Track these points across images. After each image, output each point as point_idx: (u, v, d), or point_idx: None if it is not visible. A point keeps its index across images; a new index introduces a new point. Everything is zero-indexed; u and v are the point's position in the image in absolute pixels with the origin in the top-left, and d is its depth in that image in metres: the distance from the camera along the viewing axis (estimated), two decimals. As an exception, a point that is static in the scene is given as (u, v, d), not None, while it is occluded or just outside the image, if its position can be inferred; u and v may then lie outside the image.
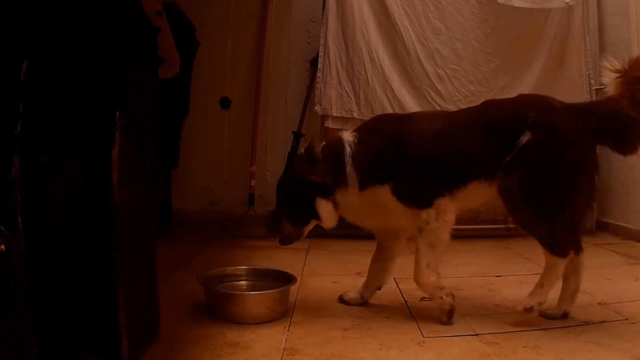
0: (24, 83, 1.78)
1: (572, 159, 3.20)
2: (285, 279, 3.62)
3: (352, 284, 4.03)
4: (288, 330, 3.17)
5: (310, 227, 3.47)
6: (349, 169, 3.32)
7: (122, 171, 2.17)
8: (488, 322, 3.32)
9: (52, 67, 2.05)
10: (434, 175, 3.28)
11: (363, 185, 3.33)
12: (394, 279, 4.12)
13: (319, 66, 5.77)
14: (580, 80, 5.90)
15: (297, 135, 6.20)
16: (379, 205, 3.35)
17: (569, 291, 3.39)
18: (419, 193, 3.28)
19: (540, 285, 3.32)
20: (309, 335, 3.11)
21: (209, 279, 3.61)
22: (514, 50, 5.80)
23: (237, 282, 3.77)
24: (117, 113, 2.14)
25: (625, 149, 3.26)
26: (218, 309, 3.36)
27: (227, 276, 3.79)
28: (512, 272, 4.47)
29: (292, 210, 3.44)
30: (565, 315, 3.37)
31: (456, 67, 5.73)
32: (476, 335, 3.10)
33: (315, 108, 5.76)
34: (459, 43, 5.73)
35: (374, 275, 3.71)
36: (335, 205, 3.37)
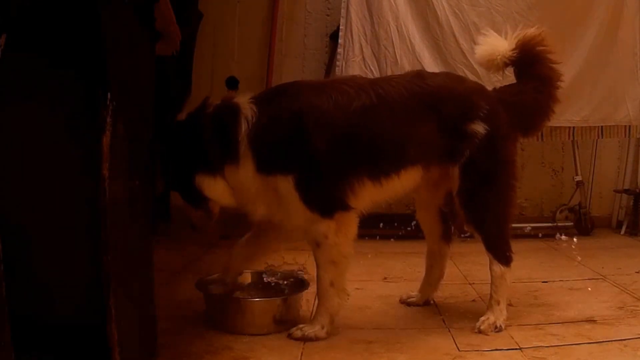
0: (1, 60, 1.76)
1: (515, 154, 3.53)
2: (297, 283, 3.62)
3: (378, 290, 4.02)
4: (305, 343, 3.16)
5: (214, 206, 3.38)
6: (243, 148, 3.15)
7: (114, 162, 2.15)
8: (533, 334, 3.29)
9: (33, 42, 2.04)
10: (354, 165, 3.24)
11: (263, 171, 3.18)
12: (426, 284, 4.12)
13: (340, 41, 5.72)
14: (634, 59, 5.81)
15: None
16: (278, 198, 3.23)
17: (433, 280, 3.82)
18: (326, 192, 3.21)
19: (496, 302, 3.42)
20: (329, 349, 3.10)
21: (209, 284, 3.61)
22: (561, 24, 5.64)
23: (242, 288, 3.75)
24: (108, 95, 2.12)
25: (526, 134, 3.77)
26: (219, 318, 3.36)
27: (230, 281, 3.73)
28: (561, 278, 4.43)
29: (180, 190, 3.36)
30: (427, 303, 3.80)
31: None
32: (519, 349, 3.08)
33: (336, 88, 5.67)
34: (499, 16, 5.62)
35: (237, 259, 3.68)
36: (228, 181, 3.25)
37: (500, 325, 3.34)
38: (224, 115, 3.22)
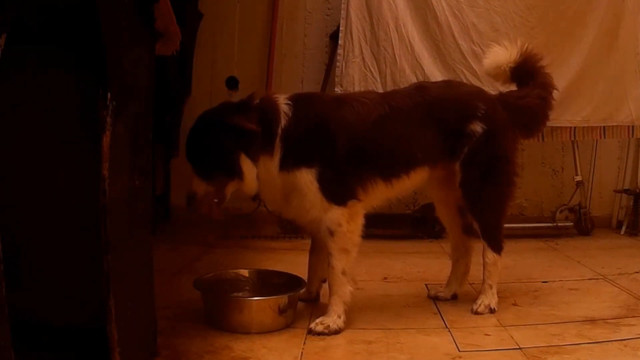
0: (1, 60, 1.76)
1: (513, 151, 3.79)
2: (294, 283, 3.62)
3: (378, 290, 4.02)
4: (304, 343, 3.15)
5: (230, 188, 3.39)
6: (277, 141, 3.34)
7: (114, 161, 2.15)
8: (533, 334, 3.28)
9: (33, 42, 2.03)
10: (369, 166, 3.48)
11: (286, 166, 3.35)
12: (426, 285, 4.13)
13: (340, 42, 5.71)
14: (636, 59, 5.79)
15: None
16: (294, 194, 3.39)
17: (459, 274, 3.96)
18: (342, 184, 3.38)
19: (489, 286, 3.71)
20: (328, 349, 3.09)
21: (207, 283, 3.61)
22: (560, 25, 5.65)
23: (240, 287, 3.78)
24: (108, 95, 2.12)
25: (527, 135, 4.05)
26: (217, 317, 3.38)
27: (228, 280, 3.79)
28: (561, 278, 4.43)
29: (209, 161, 3.33)
30: (455, 297, 3.93)
31: (494, 44, 5.60)
32: (519, 349, 3.07)
33: (336, 89, 5.68)
34: (498, 16, 5.62)
35: (313, 269, 3.84)
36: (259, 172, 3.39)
37: (494, 307, 3.63)
38: (269, 112, 3.39)
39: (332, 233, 3.33)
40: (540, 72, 3.91)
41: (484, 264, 3.70)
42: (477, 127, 3.59)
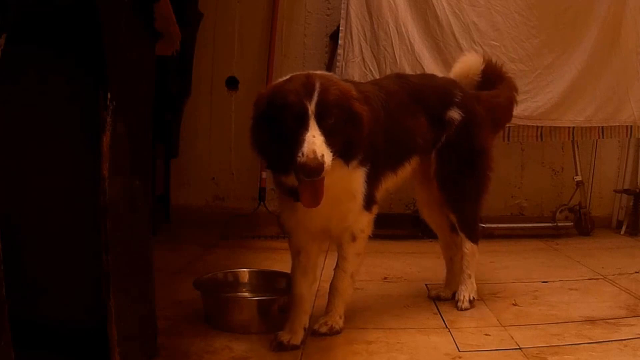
0: (0, 60, 1.76)
1: (490, 143, 3.84)
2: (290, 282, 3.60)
3: (378, 290, 4.02)
4: (304, 344, 3.14)
5: None
6: None
7: (114, 161, 2.15)
8: (533, 334, 3.28)
9: (33, 42, 2.03)
10: (390, 156, 3.43)
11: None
12: (426, 285, 4.13)
13: (340, 41, 5.73)
14: (637, 58, 5.76)
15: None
16: (345, 196, 3.12)
17: (456, 272, 3.92)
18: (375, 186, 3.29)
19: (468, 276, 3.78)
20: (328, 350, 3.09)
21: (207, 283, 3.63)
22: (561, 24, 5.66)
23: (240, 287, 3.80)
24: (108, 95, 2.12)
25: (495, 131, 4.12)
26: (217, 317, 3.38)
27: (228, 280, 3.81)
28: (561, 277, 4.43)
29: (354, 135, 2.87)
30: (455, 296, 3.84)
31: (495, 44, 5.62)
32: (519, 349, 3.06)
33: (335, 89, 5.64)
34: (499, 16, 5.62)
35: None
36: None
37: (473, 297, 3.74)
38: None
39: (354, 239, 3.28)
40: (505, 77, 4.08)
41: (463, 255, 3.77)
42: (455, 114, 3.64)
